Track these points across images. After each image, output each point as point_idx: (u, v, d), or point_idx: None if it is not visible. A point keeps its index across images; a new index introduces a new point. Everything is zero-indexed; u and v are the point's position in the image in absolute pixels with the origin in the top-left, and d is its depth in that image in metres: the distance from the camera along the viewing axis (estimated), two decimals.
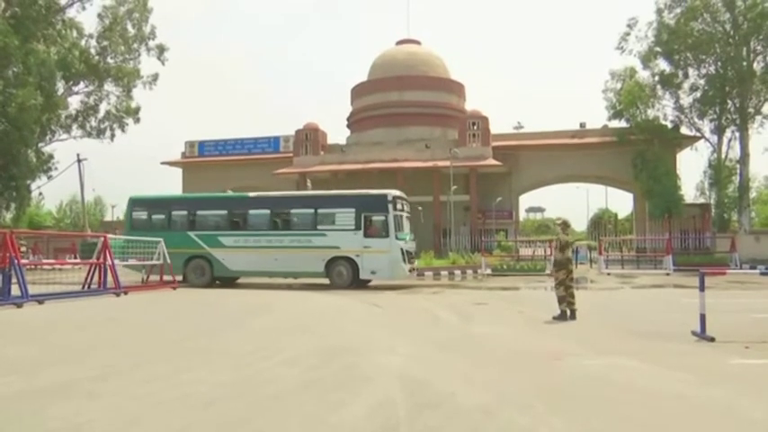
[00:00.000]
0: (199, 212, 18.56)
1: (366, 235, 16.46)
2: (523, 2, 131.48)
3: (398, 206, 16.75)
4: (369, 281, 17.40)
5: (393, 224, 16.27)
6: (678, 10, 31.64)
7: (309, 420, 4.12)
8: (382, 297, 13.93)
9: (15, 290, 11.63)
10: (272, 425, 4.06)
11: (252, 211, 18.09)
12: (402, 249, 16.34)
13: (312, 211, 17.35)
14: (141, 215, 18.94)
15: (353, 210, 16.72)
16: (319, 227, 17.03)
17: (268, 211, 17.84)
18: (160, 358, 6.49)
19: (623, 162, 33.87)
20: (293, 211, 17.79)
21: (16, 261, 11.67)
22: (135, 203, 19.32)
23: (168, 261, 17.18)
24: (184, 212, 18.63)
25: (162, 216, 18.66)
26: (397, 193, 17.12)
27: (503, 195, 36.94)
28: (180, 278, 17.35)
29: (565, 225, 10.17)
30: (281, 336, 8.16)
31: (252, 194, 19.02)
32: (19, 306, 11.07)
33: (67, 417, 4.13)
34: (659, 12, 32.14)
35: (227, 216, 18.19)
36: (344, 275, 16.52)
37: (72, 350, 6.95)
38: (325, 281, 16.98)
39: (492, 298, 13.73)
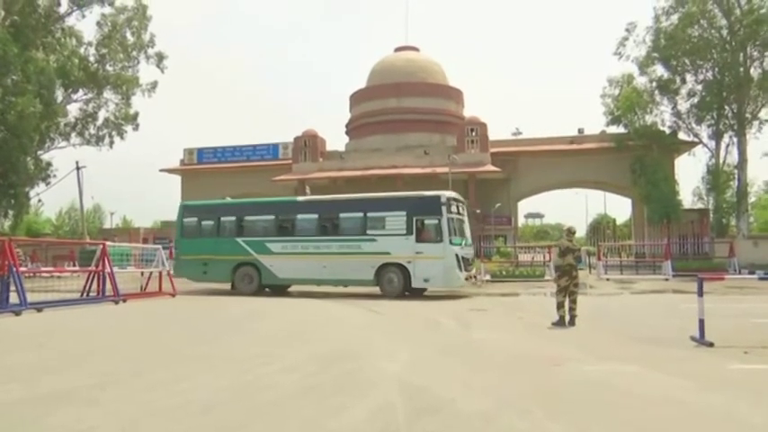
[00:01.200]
0: (247, 218, 17.95)
1: (418, 240, 15.30)
2: (522, 9, 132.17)
3: (453, 208, 15.55)
4: (423, 290, 16.13)
5: (447, 228, 15.06)
6: (675, 16, 31.81)
7: (309, 425, 4.12)
8: (382, 304, 13.91)
9: (14, 297, 11.63)
10: (272, 430, 4.07)
11: (300, 216, 17.25)
12: (457, 255, 15.07)
13: (361, 214, 16.31)
14: (191, 221, 18.51)
15: (405, 213, 15.60)
16: (369, 231, 15.98)
17: (316, 216, 16.98)
18: (159, 365, 6.49)
19: (621, 168, 33.94)
20: (342, 215, 16.72)
21: (15, 269, 11.67)
22: (186, 210, 18.91)
23: (167, 267, 17.18)
24: (233, 218, 18.04)
25: (211, 222, 18.19)
26: (451, 194, 16.01)
27: (501, 201, 37.00)
28: (229, 286, 17.37)
29: (569, 232, 10.21)
30: (281, 342, 8.15)
31: (300, 198, 18.34)
32: (17, 314, 11.05)
33: (68, 424, 4.13)
34: (657, 17, 32.32)
35: (274, 221, 17.46)
36: (395, 283, 15.41)
37: (71, 358, 6.95)
38: (376, 290, 15.95)
39: (491, 304, 13.73)
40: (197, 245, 17.89)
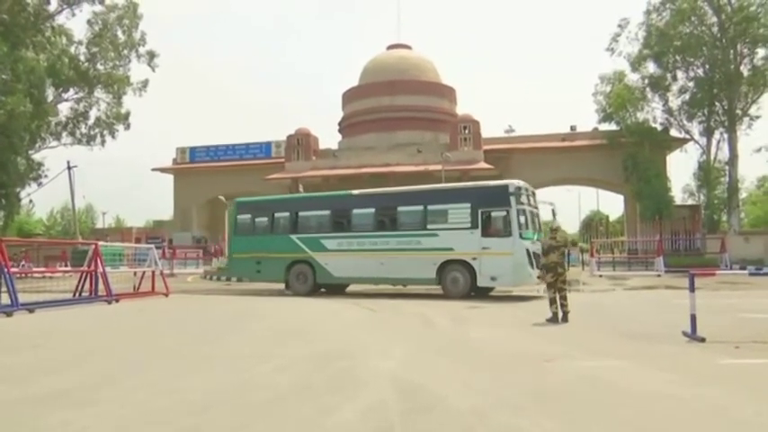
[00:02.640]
0: (301, 213, 17.17)
1: (485, 234, 14.02)
2: (514, 7, 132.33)
3: (523, 199, 14.21)
4: (490, 289, 15.06)
5: (516, 220, 13.72)
6: (666, 13, 32.00)
7: (304, 424, 4.13)
8: (376, 301, 13.93)
9: (5, 298, 11.56)
10: (268, 429, 4.07)
11: (356, 211, 16.31)
12: (528, 251, 13.70)
13: (421, 207, 15.19)
14: (245, 219, 17.94)
15: (469, 205, 14.38)
16: (430, 226, 14.86)
17: (373, 210, 16.02)
18: (154, 365, 6.47)
19: (614, 164, 34.08)
20: (400, 208, 15.65)
21: (6, 269, 11.60)
22: (239, 207, 18.32)
23: (160, 267, 17.11)
24: (287, 214, 17.30)
25: (265, 219, 17.57)
26: (520, 183, 14.66)
27: None
28: (282, 285, 16.92)
29: (552, 230, 10.28)
30: (276, 341, 8.15)
31: (356, 192, 17.16)
32: (9, 315, 10.98)
33: (62, 424, 4.12)
34: (648, 14, 32.52)
35: (329, 216, 16.60)
36: (460, 282, 14.23)
37: (64, 358, 6.91)
38: (438, 289, 14.99)
39: (485, 301, 13.77)
40: (250, 243, 17.39)
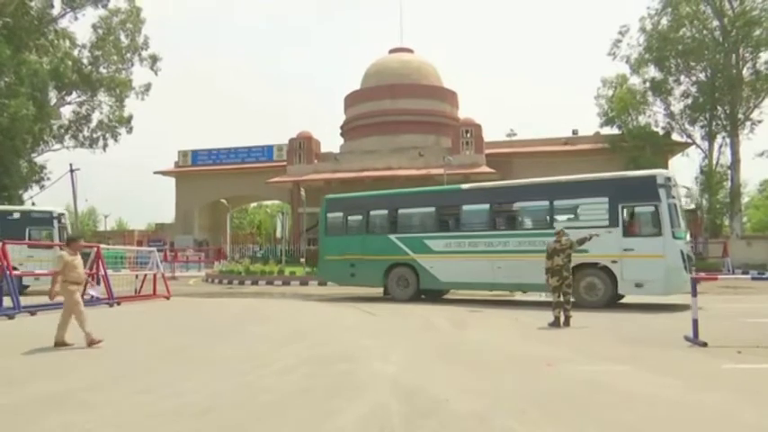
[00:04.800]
0: (401, 211, 15.66)
1: (627, 233, 12.25)
2: (516, 11, 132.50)
3: (672, 192, 12.37)
4: (620, 297, 12.94)
5: (668, 217, 11.84)
6: (665, 19, 32.05)
7: (304, 428, 4.12)
8: (374, 305, 13.92)
9: (7, 301, 11.57)
10: None
11: (466, 207, 14.74)
12: (682, 252, 12.00)
13: (546, 203, 13.45)
14: (336, 217, 16.56)
15: (606, 199, 12.52)
16: (557, 224, 12.81)
17: (487, 206, 14.33)
18: (155, 368, 6.47)
19: (616, 168, 33.64)
20: (520, 204, 14.11)
21: (8, 272, 11.62)
22: (329, 204, 16.89)
23: (161, 270, 17.11)
24: (384, 212, 15.81)
25: (359, 217, 16.07)
26: (668, 173, 12.91)
27: None
28: (381, 290, 15.89)
29: (557, 233, 10.26)
30: (276, 344, 8.14)
31: (465, 186, 15.65)
32: (11, 317, 11.01)
33: (62, 427, 4.12)
34: (650, 17, 32.59)
35: (435, 214, 15.04)
36: (598, 289, 12.40)
37: (65, 361, 6.92)
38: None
39: (486, 305, 13.74)
40: (343, 243, 16.04)
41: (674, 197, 12.32)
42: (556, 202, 13.37)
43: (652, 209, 12.03)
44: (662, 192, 11.94)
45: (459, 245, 14.33)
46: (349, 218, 16.31)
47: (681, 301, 11.79)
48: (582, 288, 12.50)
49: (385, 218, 15.76)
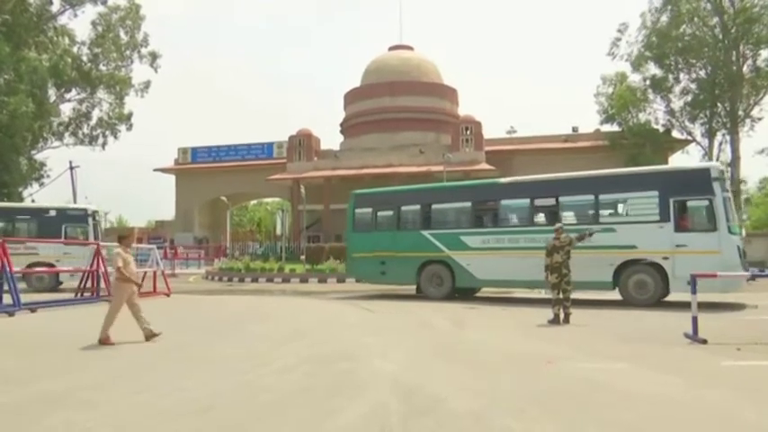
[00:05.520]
0: (435, 206, 15.25)
1: (679, 228, 11.79)
2: (516, 7, 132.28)
3: (726, 185, 12.16)
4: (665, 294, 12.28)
5: (723, 212, 11.48)
6: (665, 16, 32.01)
7: (305, 427, 4.13)
8: (374, 302, 13.93)
9: (7, 298, 11.58)
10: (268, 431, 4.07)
11: (505, 202, 14.33)
12: (738, 248, 11.69)
13: (591, 197, 13.00)
14: (364, 213, 16.06)
15: (657, 193, 12.10)
16: (604, 219, 12.72)
17: (527, 201, 13.90)
18: (155, 366, 6.48)
19: (615, 166, 33.66)
20: (564, 198, 13.50)
21: (9, 269, 11.62)
22: (357, 199, 16.44)
23: (161, 267, 17.11)
24: (417, 207, 15.33)
25: (390, 213, 15.61)
26: (721, 166, 12.59)
27: None
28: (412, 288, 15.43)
29: (556, 230, 10.25)
30: (276, 343, 8.15)
31: (504, 180, 15.09)
32: (11, 315, 11.00)
33: (63, 426, 4.12)
34: (650, 14, 32.55)
35: (471, 209, 14.57)
36: (649, 287, 11.99)
37: (65, 359, 6.93)
38: (613, 294, 12.83)
39: (485, 302, 13.75)
40: (372, 240, 15.57)
41: (727, 190, 12.05)
42: (601, 196, 12.96)
43: (706, 203, 11.66)
44: (716, 185, 11.60)
45: (497, 241, 13.75)
46: (378, 213, 15.85)
47: (680, 299, 11.78)
48: (631, 285, 12.18)
49: (417, 213, 15.29)
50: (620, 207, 13.01)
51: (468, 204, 14.68)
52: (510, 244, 13.61)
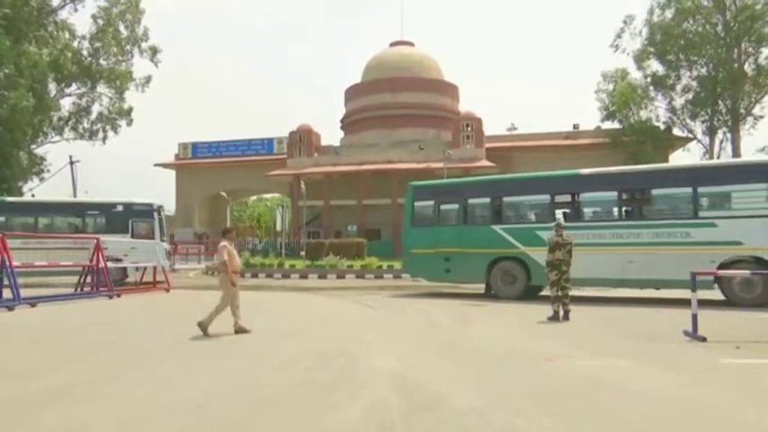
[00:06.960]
0: (507, 199, 14.26)
1: None
2: (517, 4, 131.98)
3: None
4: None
5: None
6: (669, 12, 31.95)
7: (305, 422, 4.12)
8: (375, 299, 13.92)
9: (7, 293, 11.57)
10: (268, 427, 4.07)
11: (587, 195, 13.52)
12: None
13: (689, 190, 12.11)
14: (425, 206, 15.11)
15: (766, 186, 11.30)
16: (702, 213, 11.87)
17: (614, 194, 13.13)
18: (155, 361, 6.48)
19: (616, 163, 33.87)
20: (656, 191, 12.73)
21: (8, 264, 11.62)
22: (417, 192, 15.45)
23: (162, 262, 17.09)
24: (486, 200, 14.41)
25: (455, 206, 14.60)
26: None
27: None
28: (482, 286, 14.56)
29: (557, 227, 10.22)
30: (277, 338, 8.15)
31: (585, 171, 13.86)
32: (11, 309, 11.01)
33: (63, 421, 4.12)
34: (652, 10, 32.52)
35: (549, 202, 13.54)
36: (756, 286, 11.17)
37: (65, 353, 6.92)
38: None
39: (486, 299, 13.74)
40: (434, 235, 14.61)
41: None
42: (701, 189, 12.10)
43: None
44: None
45: (580, 237, 12.19)
46: (441, 207, 14.86)
47: (680, 296, 11.79)
48: (736, 284, 11.38)
49: (487, 206, 14.39)
50: (724, 200, 12.15)
51: (547, 197, 13.69)
52: (595, 239, 12.68)
